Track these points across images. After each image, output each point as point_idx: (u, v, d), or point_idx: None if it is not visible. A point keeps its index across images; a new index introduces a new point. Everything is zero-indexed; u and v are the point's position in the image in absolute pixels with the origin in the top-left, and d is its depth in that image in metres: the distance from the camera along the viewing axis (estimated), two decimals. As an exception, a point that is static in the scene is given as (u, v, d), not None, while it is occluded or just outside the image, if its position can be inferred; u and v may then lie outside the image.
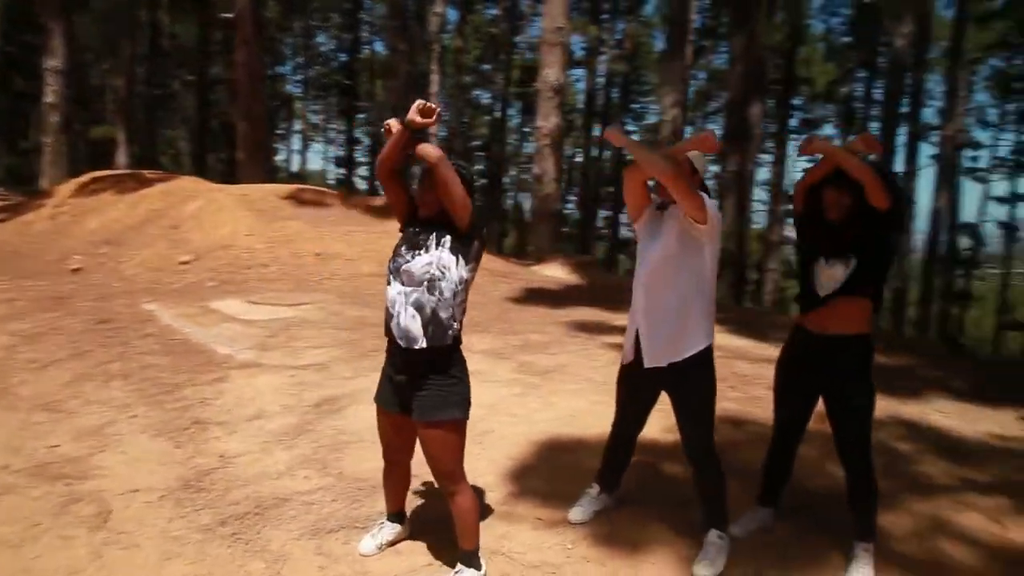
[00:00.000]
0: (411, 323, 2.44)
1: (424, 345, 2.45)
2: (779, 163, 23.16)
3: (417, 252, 2.48)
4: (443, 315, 2.45)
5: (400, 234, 2.61)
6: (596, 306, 7.82)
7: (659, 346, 2.72)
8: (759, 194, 24.40)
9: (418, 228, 2.54)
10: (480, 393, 3.94)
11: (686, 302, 2.69)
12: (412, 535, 2.96)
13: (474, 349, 5.20)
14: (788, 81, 23.47)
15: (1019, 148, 22.67)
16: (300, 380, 4.73)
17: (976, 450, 4.01)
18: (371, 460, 3.48)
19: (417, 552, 2.89)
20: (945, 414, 4.60)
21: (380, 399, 2.67)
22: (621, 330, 3.45)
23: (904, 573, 2.81)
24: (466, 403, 2.56)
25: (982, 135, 29.84)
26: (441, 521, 2.84)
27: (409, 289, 2.46)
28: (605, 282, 9.75)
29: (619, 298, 8.32)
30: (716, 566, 2.74)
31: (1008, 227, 23.01)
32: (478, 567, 2.63)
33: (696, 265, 2.69)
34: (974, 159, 23.91)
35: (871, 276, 2.70)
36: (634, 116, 32.72)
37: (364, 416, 3.92)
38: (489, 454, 3.74)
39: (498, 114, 31.10)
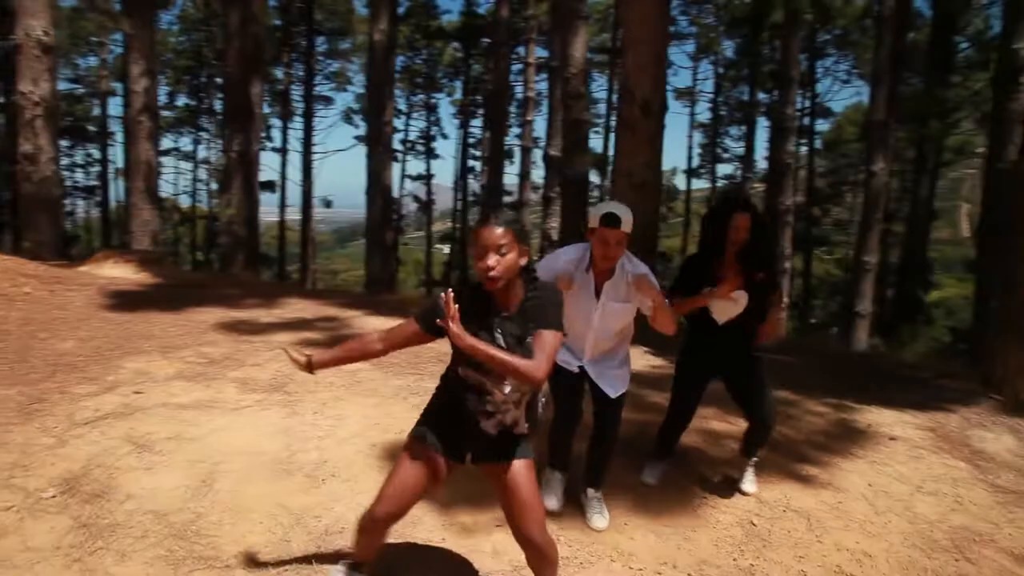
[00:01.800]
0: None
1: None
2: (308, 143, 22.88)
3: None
4: None
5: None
6: (220, 304, 7.13)
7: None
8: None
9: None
10: (244, 427, 4.05)
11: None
12: None
13: (158, 376, 4.79)
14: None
15: (425, 135, 27.55)
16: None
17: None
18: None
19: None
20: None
21: (433, 441, 2.49)
22: (288, 324, 3.80)
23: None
24: None
25: (397, 122, 34.69)
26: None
27: None
28: (189, 278, 8.66)
29: (226, 293, 7.71)
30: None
31: (421, 200, 27.87)
32: None
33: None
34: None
35: None
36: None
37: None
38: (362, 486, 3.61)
39: None
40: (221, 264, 13.37)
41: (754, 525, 3.56)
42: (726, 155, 29.48)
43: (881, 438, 4.82)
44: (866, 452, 4.56)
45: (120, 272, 8.10)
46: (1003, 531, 3.75)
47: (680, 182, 33.00)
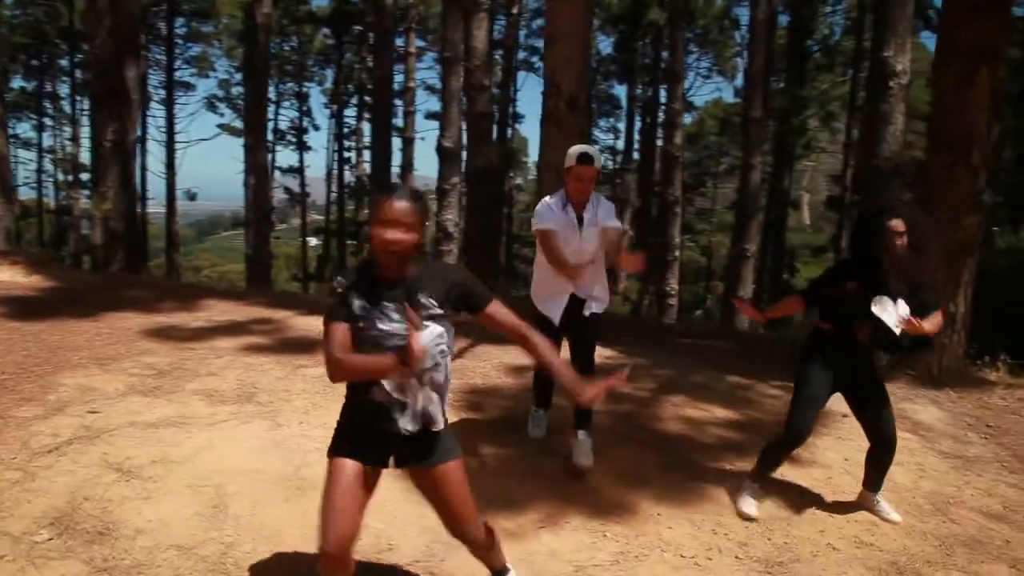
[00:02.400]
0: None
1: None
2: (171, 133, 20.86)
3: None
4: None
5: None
6: (136, 309, 6.59)
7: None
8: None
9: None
10: (230, 444, 3.84)
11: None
12: None
13: (108, 392, 4.41)
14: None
15: (296, 125, 26.36)
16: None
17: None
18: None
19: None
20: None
21: (353, 455, 2.33)
22: (223, 328, 4.06)
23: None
24: None
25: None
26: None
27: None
28: (87, 281, 7.85)
29: (136, 296, 7.12)
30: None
31: (292, 193, 26.69)
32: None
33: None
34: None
35: None
36: None
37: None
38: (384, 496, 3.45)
39: None
40: (94, 264, 12.16)
41: (773, 498, 3.75)
42: (596, 146, 30.39)
43: (834, 416, 5.19)
44: (828, 430, 4.90)
45: (7, 276, 7.17)
46: (965, 493, 4.17)
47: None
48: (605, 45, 26.75)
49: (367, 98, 25.31)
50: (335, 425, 2.46)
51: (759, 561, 3.19)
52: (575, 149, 3.76)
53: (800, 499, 3.84)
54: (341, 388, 2.39)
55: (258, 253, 16.34)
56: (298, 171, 26.42)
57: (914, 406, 5.63)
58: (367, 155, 25.77)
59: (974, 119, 5.94)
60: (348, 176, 26.89)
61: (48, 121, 25.68)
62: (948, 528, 3.69)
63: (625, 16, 21.12)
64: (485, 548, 2.58)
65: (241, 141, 16.80)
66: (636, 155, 27.16)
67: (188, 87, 25.26)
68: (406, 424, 2.28)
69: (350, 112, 26.82)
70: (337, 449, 2.36)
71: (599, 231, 3.79)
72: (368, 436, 2.34)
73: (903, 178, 10.67)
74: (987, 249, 13.61)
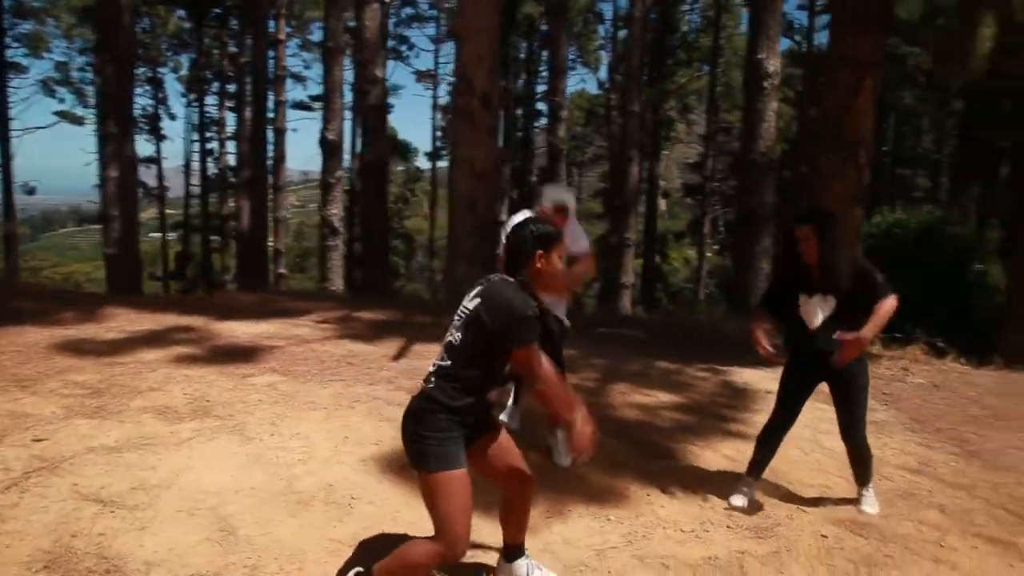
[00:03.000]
0: None
1: None
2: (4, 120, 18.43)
3: None
4: None
5: None
6: (32, 322, 6.11)
7: None
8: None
9: None
10: (206, 462, 3.72)
11: None
12: None
13: (45, 417, 4.08)
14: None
15: (150, 114, 24.46)
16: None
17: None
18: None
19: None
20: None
21: (463, 462, 2.54)
22: (142, 338, 5.15)
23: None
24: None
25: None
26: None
27: None
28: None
29: (22, 308, 6.56)
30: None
31: (148, 186, 24.80)
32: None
33: None
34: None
35: None
36: None
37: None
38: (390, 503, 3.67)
39: None
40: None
41: (733, 473, 4.09)
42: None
43: (759, 393, 5.69)
44: (759, 406, 5.36)
45: None
46: (887, 453, 4.73)
47: (423, 163, 33.53)
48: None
49: (229, 86, 24.02)
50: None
51: (748, 529, 3.50)
52: (549, 195, 4.08)
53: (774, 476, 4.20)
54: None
55: (124, 253, 15.10)
56: (154, 161, 24.61)
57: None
58: (231, 146, 24.52)
59: (861, 123, 6.65)
60: (211, 168, 25.39)
61: None
62: (885, 484, 4.19)
63: (502, 9, 21.32)
64: (532, 485, 2.87)
65: (86, 130, 15.48)
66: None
67: (19, 68, 22.79)
68: (498, 414, 2.61)
69: (211, 100, 25.29)
70: (453, 461, 2.47)
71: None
72: (468, 435, 2.57)
73: (775, 172, 11.67)
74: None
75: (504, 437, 2.78)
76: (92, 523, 3.08)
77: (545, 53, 24.68)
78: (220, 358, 5.40)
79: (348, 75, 18.21)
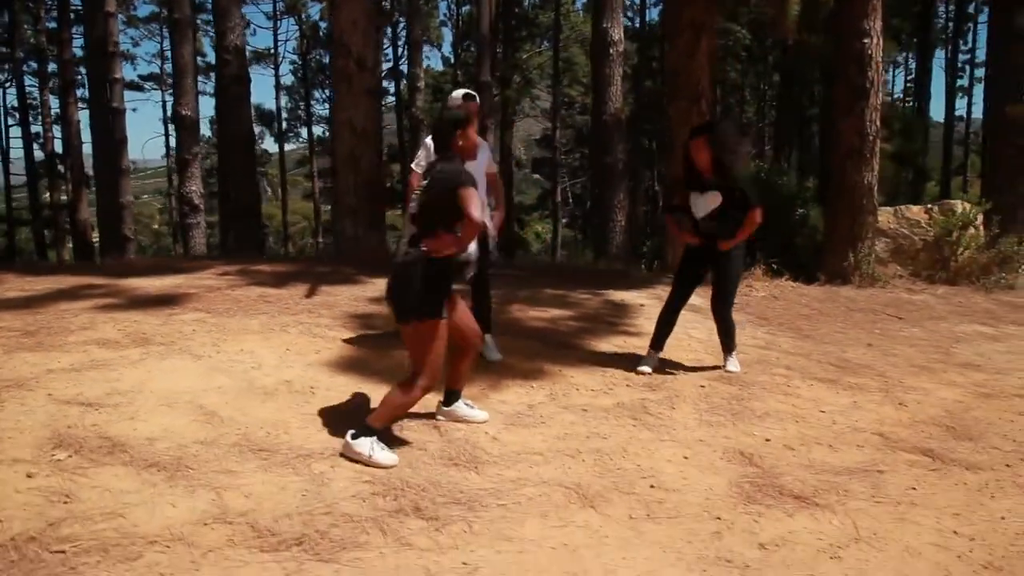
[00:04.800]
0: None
1: None
2: None
3: None
4: None
5: None
6: None
7: None
8: None
9: None
10: (169, 373, 4.07)
11: None
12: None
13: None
14: None
15: None
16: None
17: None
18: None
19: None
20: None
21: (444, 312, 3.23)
22: (59, 293, 5.34)
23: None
24: None
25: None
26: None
27: None
28: None
29: None
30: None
31: None
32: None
33: None
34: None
35: None
36: None
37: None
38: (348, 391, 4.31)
39: None
40: None
41: (627, 355, 4.93)
42: (319, 119, 30.18)
43: (634, 306, 6.62)
44: (638, 314, 6.28)
45: None
46: (742, 338, 5.68)
47: (270, 146, 32.67)
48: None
49: (50, 66, 22.27)
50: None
51: (644, 386, 4.34)
52: (458, 91, 4.31)
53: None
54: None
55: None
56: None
57: (694, 300, 7.30)
58: (57, 131, 22.79)
59: (700, 76, 7.75)
60: (37, 153, 23.38)
61: None
62: (743, 355, 5.16)
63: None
64: (471, 361, 3.57)
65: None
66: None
67: None
68: (467, 274, 3.25)
69: (29, 82, 23.28)
70: (437, 312, 3.14)
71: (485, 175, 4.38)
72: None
73: (622, 131, 12.85)
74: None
75: (460, 301, 3.41)
76: (81, 418, 3.35)
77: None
78: (139, 305, 5.54)
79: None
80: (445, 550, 2.47)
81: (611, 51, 11.95)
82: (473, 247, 3.38)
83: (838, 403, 4.23)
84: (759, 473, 3.19)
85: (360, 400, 3.83)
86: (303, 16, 26.96)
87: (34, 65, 23.46)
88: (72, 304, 5.44)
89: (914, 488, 3.12)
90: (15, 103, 23.80)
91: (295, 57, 28.52)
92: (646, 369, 4.61)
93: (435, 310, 3.13)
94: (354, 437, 3.12)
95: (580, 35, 24.27)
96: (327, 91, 29.33)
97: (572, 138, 29.87)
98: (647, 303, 6.74)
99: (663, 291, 7.34)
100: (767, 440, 3.58)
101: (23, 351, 4.23)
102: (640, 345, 5.23)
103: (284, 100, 30.49)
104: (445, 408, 3.60)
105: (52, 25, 21.69)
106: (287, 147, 32.21)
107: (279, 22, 27.86)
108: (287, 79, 31.35)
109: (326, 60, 28.27)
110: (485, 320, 4.66)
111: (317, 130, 31.25)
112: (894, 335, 6.28)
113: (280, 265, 7.79)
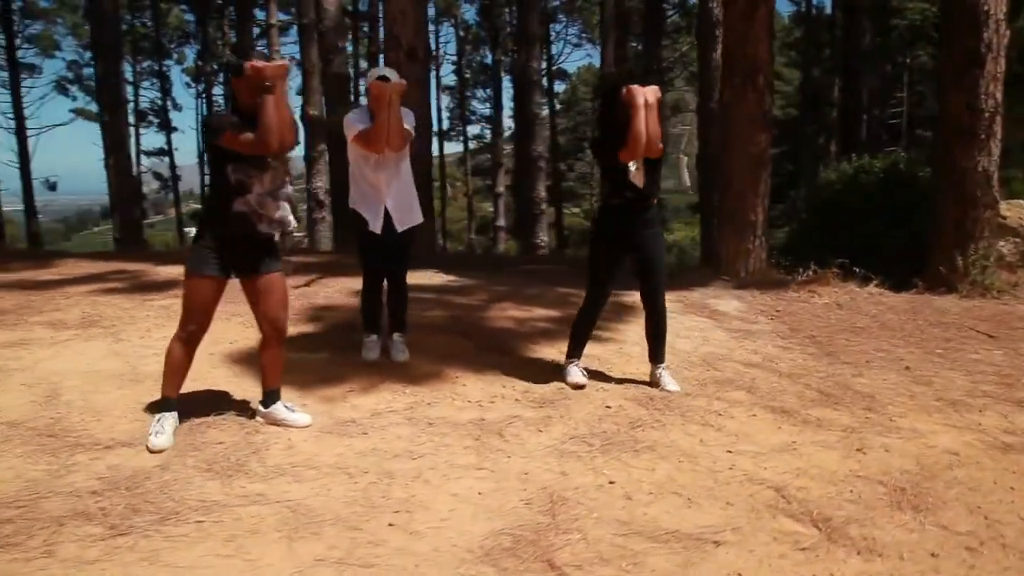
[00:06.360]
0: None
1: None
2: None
3: None
4: None
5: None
6: None
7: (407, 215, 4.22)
8: None
9: None
10: (73, 355, 4.15)
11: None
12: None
13: None
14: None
15: (158, 106, 25.37)
16: None
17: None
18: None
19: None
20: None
21: (209, 269, 3.10)
22: (79, 279, 5.53)
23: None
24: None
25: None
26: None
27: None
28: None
29: None
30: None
31: (163, 177, 25.78)
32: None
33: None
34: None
35: None
36: None
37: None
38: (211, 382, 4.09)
39: None
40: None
41: (558, 364, 4.37)
42: (474, 116, 30.88)
43: (638, 307, 5.91)
44: (636, 318, 5.59)
45: None
46: (736, 352, 4.95)
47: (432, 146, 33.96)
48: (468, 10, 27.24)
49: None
50: (193, 246, 3.19)
51: (536, 401, 3.79)
52: (374, 71, 4.20)
53: (593, 361, 4.47)
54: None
55: (129, 239, 15.79)
56: (166, 153, 25.52)
57: (718, 301, 6.45)
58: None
59: (756, 48, 6.78)
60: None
61: None
62: (709, 374, 4.43)
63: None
64: (275, 357, 3.31)
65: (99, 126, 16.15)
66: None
67: (33, 69, 23.83)
68: (264, 230, 3.09)
69: (217, 91, 26.06)
70: (197, 266, 3.11)
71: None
72: (223, 251, 3.09)
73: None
74: (812, 180, 15.08)
75: (268, 285, 3.21)
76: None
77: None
78: (137, 290, 5.86)
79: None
80: (82, 565, 2.23)
81: (718, 33, 10.91)
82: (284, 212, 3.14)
83: (765, 442, 3.41)
84: (541, 526, 2.56)
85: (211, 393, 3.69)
86: (457, 18, 27.68)
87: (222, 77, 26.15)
88: (81, 288, 5.86)
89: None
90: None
91: (455, 58, 29.23)
92: (578, 380, 4.05)
93: (191, 262, 3.14)
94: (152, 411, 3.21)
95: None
96: (487, 91, 30.02)
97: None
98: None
99: (689, 294, 6.54)
100: (610, 483, 2.92)
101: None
102: (600, 354, 4.64)
103: (445, 100, 31.55)
104: (263, 410, 3.35)
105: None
106: (456, 148, 33.36)
107: (439, 26, 28.79)
108: (448, 79, 32.34)
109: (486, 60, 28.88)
110: (397, 318, 4.39)
111: (476, 129, 32.03)
112: (958, 358, 5.06)
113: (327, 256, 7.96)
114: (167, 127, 25.85)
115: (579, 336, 4.19)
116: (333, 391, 3.77)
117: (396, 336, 4.38)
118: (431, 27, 27.44)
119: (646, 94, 3.70)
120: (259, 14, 21.19)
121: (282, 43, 20.51)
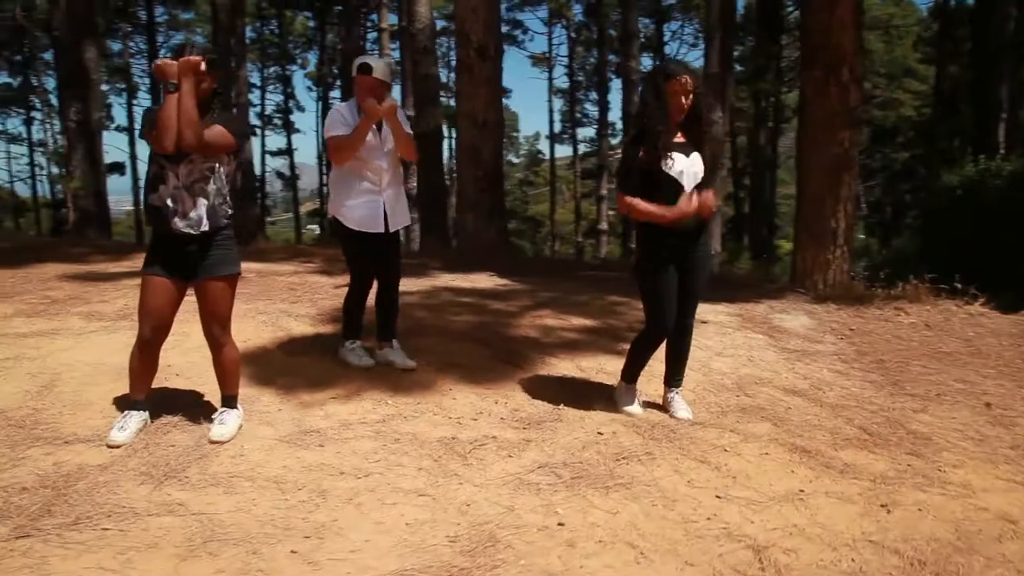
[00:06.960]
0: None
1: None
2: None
3: None
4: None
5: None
6: (66, 261, 7.06)
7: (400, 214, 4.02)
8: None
9: None
10: (88, 347, 4.20)
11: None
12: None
13: None
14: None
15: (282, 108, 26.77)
16: None
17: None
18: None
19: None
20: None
21: (159, 271, 3.00)
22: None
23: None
24: (239, 261, 3.17)
25: (251, 95, 33.40)
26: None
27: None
28: (29, 242, 8.24)
29: (72, 252, 7.48)
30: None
31: (285, 176, 27.17)
32: (237, 408, 3.26)
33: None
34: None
35: None
36: None
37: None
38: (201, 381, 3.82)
39: None
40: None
41: (568, 380, 4.04)
42: (585, 119, 30.48)
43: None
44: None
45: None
46: (780, 376, 4.43)
47: (544, 147, 33.89)
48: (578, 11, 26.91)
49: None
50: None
51: (523, 421, 3.49)
52: (357, 60, 3.88)
53: (604, 378, 4.11)
54: None
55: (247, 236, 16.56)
56: (286, 153, 26.86)
57: (784, 316, 5.86)
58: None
59: (841, 37, 6.11)
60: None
61: (37, 115, 26.30)
62: (736, 400, 3.96)
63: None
64: (230, 362, 3.19)
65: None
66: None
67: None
68: (181, 227, 2.93)
69: (335, 94, 27.15)
70: (148, 266, 3.04)
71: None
72: (167, 253, 3.00)
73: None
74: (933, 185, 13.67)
75: (213, 293, 3.09)
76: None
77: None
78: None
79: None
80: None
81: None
82: (201, 212, 2.97)
83: (767, 489, 2.96)
84: (454, 571, 2.25)
85: (194, 392, 3.66)
86: (570, 19, 27.35)
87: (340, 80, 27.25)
88: (128, 281, 6.04)
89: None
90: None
91: (567, 60, 28.94)
92: (634, 410, 3.68)
93: (146, 263, 3.06)
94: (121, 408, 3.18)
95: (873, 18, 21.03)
96: (593, 92, 29.54)
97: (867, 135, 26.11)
98: (718, 320, 5.53)
99: (755, 307, 5.98)
100: (559, 524, 2.58)
101: (23, 316, 4.82)
102: (616, 369, 4.26)
103: (558, 103, 31.34)
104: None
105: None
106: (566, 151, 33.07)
107: (553, 28, 28.62)
108: (559, 81, 32.07)
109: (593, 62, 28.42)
110: (387, 326, 4.19)
111: (589, 132, 31.56)
112: (1059, 396, 4.30)
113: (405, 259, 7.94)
114: (288, 128, 27.22)
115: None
116: (315, 397, 3.64)
117: (395, 344, 4.18)
118: (543, 30, 27.38)
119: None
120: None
121: (392, 48, 21.02)
